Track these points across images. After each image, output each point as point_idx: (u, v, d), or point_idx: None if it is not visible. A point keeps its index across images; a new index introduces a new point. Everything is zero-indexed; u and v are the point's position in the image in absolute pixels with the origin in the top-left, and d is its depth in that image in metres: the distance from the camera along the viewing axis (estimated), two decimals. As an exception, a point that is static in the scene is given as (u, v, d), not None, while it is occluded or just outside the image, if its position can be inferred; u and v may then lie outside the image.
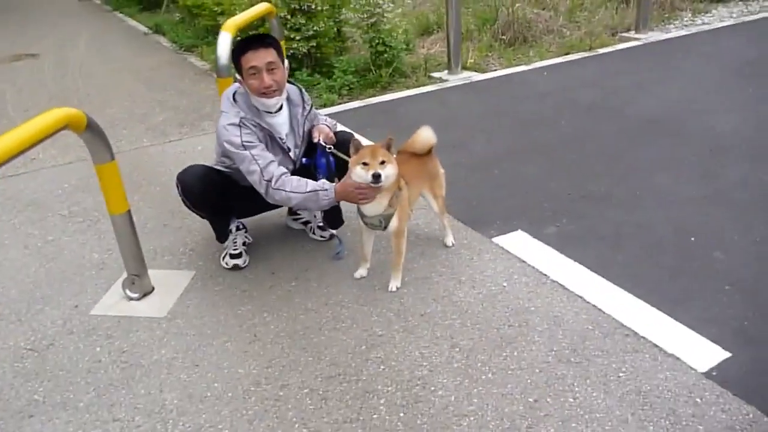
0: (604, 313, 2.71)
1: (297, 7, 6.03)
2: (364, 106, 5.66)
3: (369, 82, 6.13)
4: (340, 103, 5.77)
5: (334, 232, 3.38)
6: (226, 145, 2.90)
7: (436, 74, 6.36)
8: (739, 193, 3.67)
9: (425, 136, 3.07)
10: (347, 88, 6.02)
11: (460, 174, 4.08)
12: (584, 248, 3.20)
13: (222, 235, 3.27)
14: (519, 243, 3.28)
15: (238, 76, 2.97)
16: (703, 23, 7.91)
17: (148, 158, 4.79)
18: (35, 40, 10.15)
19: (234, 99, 2.99)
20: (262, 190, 2.88)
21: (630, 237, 3.29)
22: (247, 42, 2.90)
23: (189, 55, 8.28)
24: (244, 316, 2.86)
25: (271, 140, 3.01)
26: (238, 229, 3.31)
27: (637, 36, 7.31)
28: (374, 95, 5.92)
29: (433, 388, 2.37)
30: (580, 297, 2.82)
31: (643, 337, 2.55)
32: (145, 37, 9.75)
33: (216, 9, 7.66)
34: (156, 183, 4.30)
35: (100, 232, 3.67)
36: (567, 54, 6.80)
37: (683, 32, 7.49)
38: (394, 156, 2.79)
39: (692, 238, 3.23)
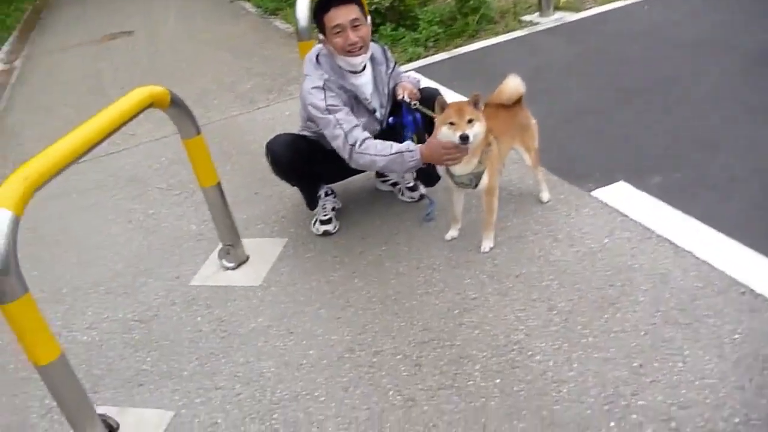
0: (716, 269, 2.49)
1: (377, -41, 5.87)
2: (451, 57, 5.47)
3: (456, 32, 5.90)
4: (426, 56, 5.61)
5: (423, 192, 3.30)
6: (310, 108, 2.87)
7: (526, 17, 6.04)
8: None
9: (513, 85, 2.90)
10: (433, 39, 5.83)
11: (554, 124, 3.87)
12: (693, 198, 2.96)
13: (311, 201, 3.27)
14: (621, 195, 3.07)
15: (321, 36, 2.91)
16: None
17: (237, 127, 4.87)
18: (128, 17, 10.51)
19: (317, 61, 2.94)
20: (345, 155, 2.84)
21: (745, 184, 3.00)
22: (328, 0, 2.83)
23: (274, 19, 8.31)
24: (336, 282, 2.86)
25: (356, 102, 2.96)
26: (326, 194, 3.29)
27: (749, -44, 6.61)
28: (461, 45, 5.70)
29: (530, 353, 2.28)
30: (689, 252, 2.61)
31: (761, 295, 2.33)
32: (231, 4, 9.86)
33: (298, -31, 7.60)
34: (246, 152, 4.36)
35: (196, 204, 3.77)
36: (670, -17, 6.26)
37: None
38: (482, 111, 2.65)
39: (818, 182, 2.91)
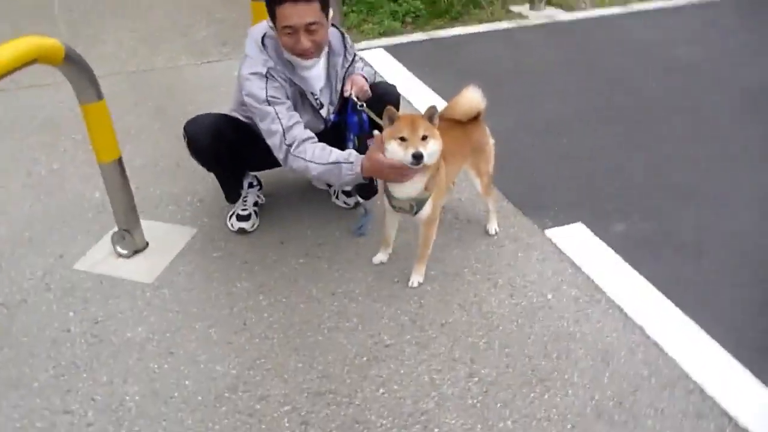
0: (666, 354, 2.17)
1: None
2: (429, 39, 5.01)
3: (438, 11, 5.44)
4: (402, 33, 5.14)
5: (360, 200, 2.91)
6: (247, 98, 2.44)
7: (515, 8, 5.60)
8: None
9: (470, 99, 2.49)
10: (413, 15, 5.36)
11: (519, 140, 3.50)
12: (656, 258, 2.63)
13: (232, 194, 2.84)
14: (576, 240, 2.73)
15: (269, 22, 2.44)
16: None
17: (180, 80, 4.36)
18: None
19: (263, 43, 2.48)
20: (281, 156, 2.43)
21: (715, 250, 2.68)
22: None
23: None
24: (238, 296, 2.47)
25: (301, 98, 2.53)
26: (250, 186, 2.88)
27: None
28: (442, 26, 5.24)
29: (436, 431, 1.94)
30: (640, 327, 2.28)
31: (711, 398, 2.02)
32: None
33: None
34: (181, 112, 3.83)
35: (108, 166, 3.30)
36: (675, -3, 5.87)
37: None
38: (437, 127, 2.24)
39: (794, 262, 2.61)
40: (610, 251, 2.66)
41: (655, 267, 2.57)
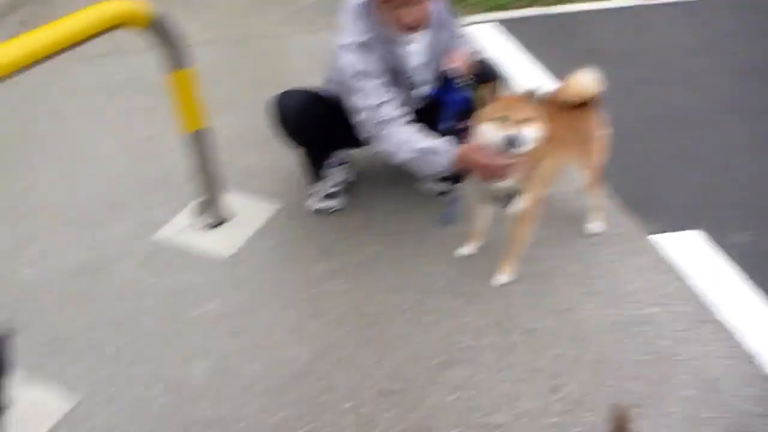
0: (784, 392, 1.89)
1: None
2: (542, 15, 4.67)
3: (555, -17, 5.06)
4: (511, 7, 4.82)
5: (451, 186, 2.73)
6: (339, 71, 2.31)
7: (644, -17, 5.12)
8: None
9: (580, 83, 2.24)
10: (526, -14, 5.01)
11: (639, 132, 3.17)
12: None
13: (315, 175, 2.72)
14: (690, 249, 2.43)
15: None
16: None
17: (279, 50, 4.28)
18: None
19: (361, 12, 2.33)
20: (367, 135, 2.30)
21: None
22: None
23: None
24: (318, 277, 2.38)
25: (395, 74, 2.37)
26: (342, 162, 2.76)
27: None
28: (558, 2, 4.87)
29: (507, 450, 1.77)
30: (756, 357, 1.99)
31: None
32: None
33: None
34: (278, 83, 3.77)
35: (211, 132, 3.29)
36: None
37: None
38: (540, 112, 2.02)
39: None
40: (729, 265, 2.35)
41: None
